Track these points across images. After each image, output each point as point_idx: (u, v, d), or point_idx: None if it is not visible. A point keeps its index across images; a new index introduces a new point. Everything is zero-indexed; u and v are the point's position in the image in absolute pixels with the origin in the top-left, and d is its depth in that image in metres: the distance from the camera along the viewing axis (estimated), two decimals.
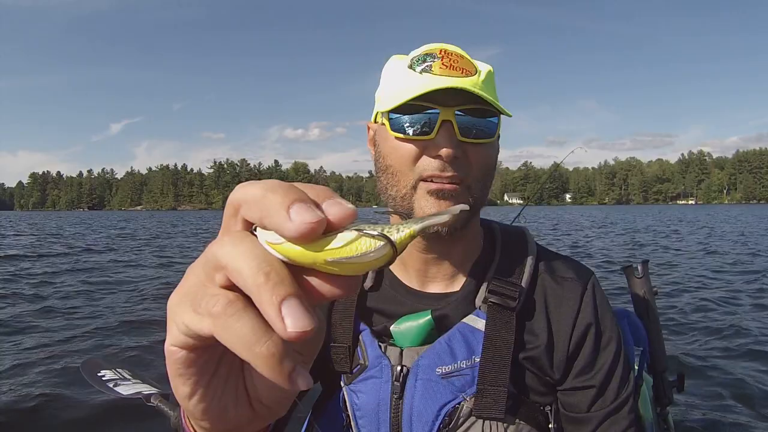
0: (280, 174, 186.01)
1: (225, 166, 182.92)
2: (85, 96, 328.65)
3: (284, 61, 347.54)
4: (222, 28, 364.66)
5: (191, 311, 0.30)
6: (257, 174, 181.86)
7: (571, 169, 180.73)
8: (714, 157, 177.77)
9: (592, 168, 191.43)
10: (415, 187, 0.82)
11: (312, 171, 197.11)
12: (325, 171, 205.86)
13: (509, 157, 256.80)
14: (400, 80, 0.85)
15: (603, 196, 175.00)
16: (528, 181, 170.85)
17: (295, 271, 0.29)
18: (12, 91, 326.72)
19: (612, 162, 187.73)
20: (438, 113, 0.79)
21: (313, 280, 0.29)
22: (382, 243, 0.26)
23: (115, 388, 1.31)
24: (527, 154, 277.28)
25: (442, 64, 0.82)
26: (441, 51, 0.84)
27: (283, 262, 0.28)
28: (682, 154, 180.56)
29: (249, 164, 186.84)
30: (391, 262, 0.27)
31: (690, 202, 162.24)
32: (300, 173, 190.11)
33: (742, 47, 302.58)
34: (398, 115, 0.82)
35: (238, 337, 0.27)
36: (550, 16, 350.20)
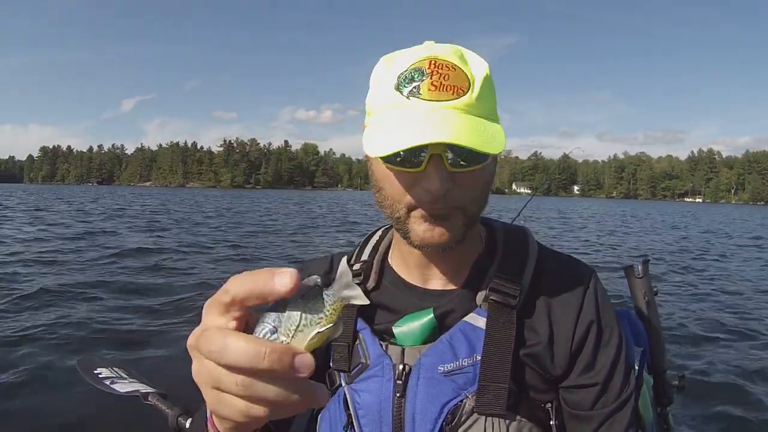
0: (290, 154, 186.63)
1: (235, 145, 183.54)
2: (98, 72, 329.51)
3: (298, 42, 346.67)
4: (237, 7, 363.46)
5: (224, 410, 0.41)
6: (266, 154, 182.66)
7: (580, 161, 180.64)
8: (724, 156, 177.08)
9: (602, 161, 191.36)
10: (408, 213, 0.82)
11: (321, 152, 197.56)
12: (334, 153, 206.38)
13: (520, 146, 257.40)
14: (389, 105, 0.80)
15: (611, 190, 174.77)
16: (537, 171, 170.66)
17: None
18: (25, 65, 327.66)
19: (622, 156, 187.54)
20: (428, 146, 0.76)
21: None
22: (329, 331, 0.40)
23: (113, 386, 1.31)
24: (538, 143, 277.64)
25: (432, 83, 0.77)
26: (431, 63, 0.78)
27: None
28: (692, 152, 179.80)
29: (258, 144, 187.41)
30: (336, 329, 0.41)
31: (697, 200, 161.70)
32: (309, 154, 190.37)
33: (760, 46, 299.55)
34: None
35: (275, 403, 0.39)
36: (568, 5, 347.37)
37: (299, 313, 0.39)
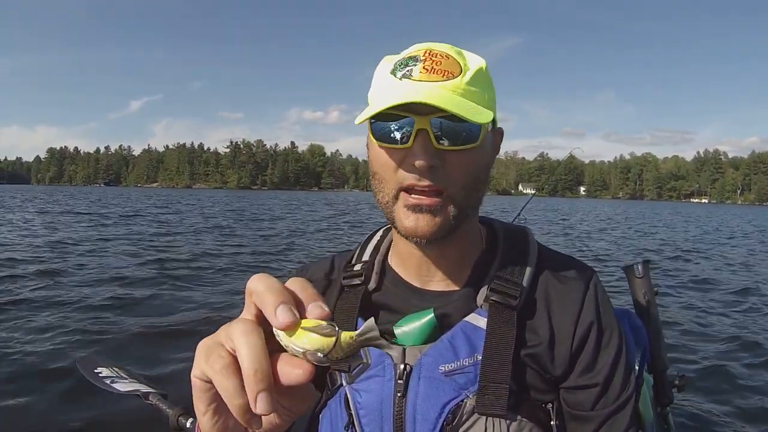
0: (296, 155, 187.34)
1: (241, 146, 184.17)
2: (105, 72, 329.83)
3: (305, 42, 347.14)
4: (246, 8, 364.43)
5: (205, 361, 0.44)
6: (273, 155, 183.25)
7: (586, 162, 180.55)
8: (730, 157, 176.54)
9: (608, 162, 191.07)
10: (396, 197, 0.83)
11: (328, 153, 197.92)
12: (341, 154, 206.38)
13: (526, 147, 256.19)
14: (383, 87, 0.84)
15: (617, 191, 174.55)
16: (543, 172, 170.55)
17: (277, 357, 0.43)
18: (32, 67, 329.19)
19: (628, 157, 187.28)
20: (414, 121, 0.78)
21: (285, 366, 0.43)
22: (329, 330, 0.42)
23: (113, 385, 1.31)
24: (545, 144, 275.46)
25: (423, 67, 0.80)
26: (426, 52, 0.82)
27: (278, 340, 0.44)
28: (698, 152, 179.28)
29: (265, 145, 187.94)
30: (331, 348, 0.42)
31: (703, 200, 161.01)
32: (316, 155, 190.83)
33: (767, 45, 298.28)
34: (378, 122, 0.82)
35: (225, 389, 0.42)
36: (571, 7, 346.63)
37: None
